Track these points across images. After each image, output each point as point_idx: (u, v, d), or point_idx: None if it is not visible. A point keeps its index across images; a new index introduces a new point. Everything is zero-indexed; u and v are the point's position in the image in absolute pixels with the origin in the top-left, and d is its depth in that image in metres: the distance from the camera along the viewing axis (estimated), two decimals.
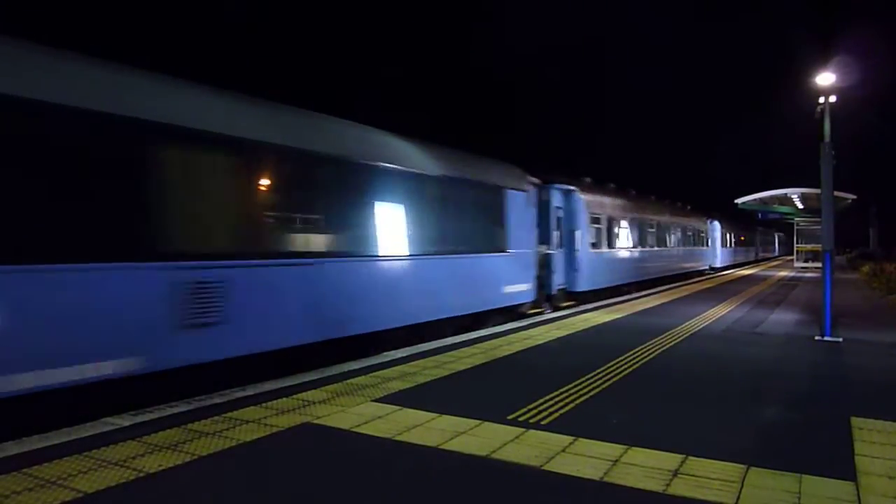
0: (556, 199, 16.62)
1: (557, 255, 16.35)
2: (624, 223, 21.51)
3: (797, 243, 32.73)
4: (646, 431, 5.02)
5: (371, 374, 7.21)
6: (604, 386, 6.63)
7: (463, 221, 11.74)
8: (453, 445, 4.71)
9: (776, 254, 71.61)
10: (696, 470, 4.20)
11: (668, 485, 3.96)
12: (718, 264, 37.08)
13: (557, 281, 16.25)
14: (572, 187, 17.44)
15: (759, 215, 33.58)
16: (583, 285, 17.34)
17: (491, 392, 6.48)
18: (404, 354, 8.53)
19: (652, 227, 24.78)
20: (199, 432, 5.00)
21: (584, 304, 16.16)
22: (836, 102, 12.26)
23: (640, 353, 8.61)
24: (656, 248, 25.24)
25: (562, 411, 5.63)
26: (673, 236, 27.73)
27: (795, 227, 32.23)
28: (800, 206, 27.17)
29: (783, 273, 31.58)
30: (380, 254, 9.42)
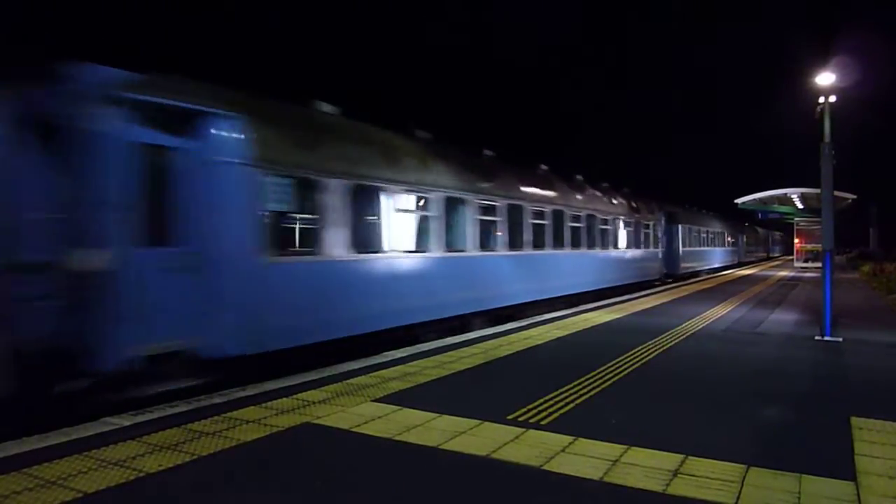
0: (148, 132, 6.64)
1: (146, 271, 6.50)
2: (426, 201, 10.93)
3: (797, 243, 32.78)
4: (646, 431, 5.02)
5: (371, 374, 7.20)
6: (603, 386, 6.63)
7: None
8: (453, 445, 4.71)
9: (770, 255, 68.03)
10: (696, 470, 4.20)
11: (668, 485, 3.96)
12: (679, 271, 28.54)
13: (141, 334, 6.36)
14: (214, 108, 7.19)
15: (759, 215, 33.60)
16: (240, 343, 7.20)
17: (491, 392, 6.48)
18: (404, 354, 8.53)
19: (519, 216, 14.08)
20: (199, 432, 5.00)
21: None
22: (835, 102, 12.26)
23: (640, 352, 8.60)
24: (522, 252, 14.10)
25: (562, 411, 5.63)
26: (566, 232, 16.51)
27: (795, 227, 32.32)
28: (800, 206, 27.22)
29: (783, 273, 31.58)
30: None
